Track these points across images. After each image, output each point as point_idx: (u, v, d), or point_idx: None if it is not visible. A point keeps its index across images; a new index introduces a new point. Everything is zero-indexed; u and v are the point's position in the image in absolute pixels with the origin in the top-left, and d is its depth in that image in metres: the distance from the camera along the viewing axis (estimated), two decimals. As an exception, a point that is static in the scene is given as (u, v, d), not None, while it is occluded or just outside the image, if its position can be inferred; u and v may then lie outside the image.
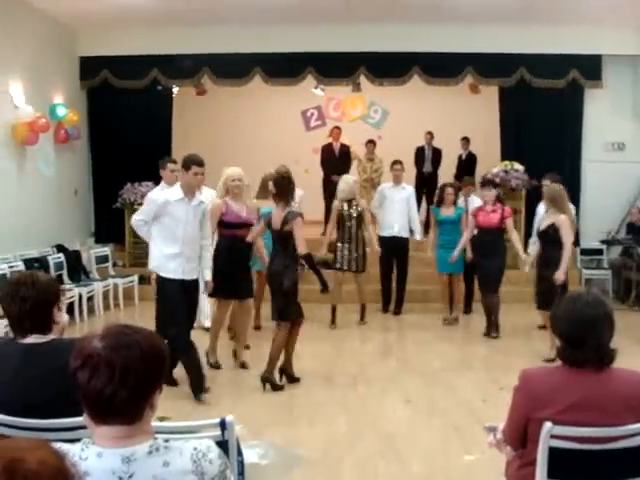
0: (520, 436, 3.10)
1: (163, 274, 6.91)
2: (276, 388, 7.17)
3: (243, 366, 7.96)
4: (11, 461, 1.48)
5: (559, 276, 7.88)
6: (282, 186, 7.18)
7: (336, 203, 10.14)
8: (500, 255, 9.43)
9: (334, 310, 10.16)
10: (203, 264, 7.13)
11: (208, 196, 8.02)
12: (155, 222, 6.95)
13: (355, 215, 9.97)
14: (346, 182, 10.10)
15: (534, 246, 9.19)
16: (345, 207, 10.00)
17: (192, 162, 6.94)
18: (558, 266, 7.89)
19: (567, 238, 7.98)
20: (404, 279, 11.11)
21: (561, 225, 7.94)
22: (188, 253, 6.92)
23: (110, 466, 2.06)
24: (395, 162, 11.32)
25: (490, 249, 9.31)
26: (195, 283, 7.07)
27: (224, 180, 8.01)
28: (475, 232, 9.65)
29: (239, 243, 7.69)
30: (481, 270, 9.59)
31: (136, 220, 7.19)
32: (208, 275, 7.16)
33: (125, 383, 2.05)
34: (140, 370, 2.08)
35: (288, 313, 7.16)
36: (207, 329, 8.65)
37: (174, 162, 8.36)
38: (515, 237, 9.54)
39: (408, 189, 11.17)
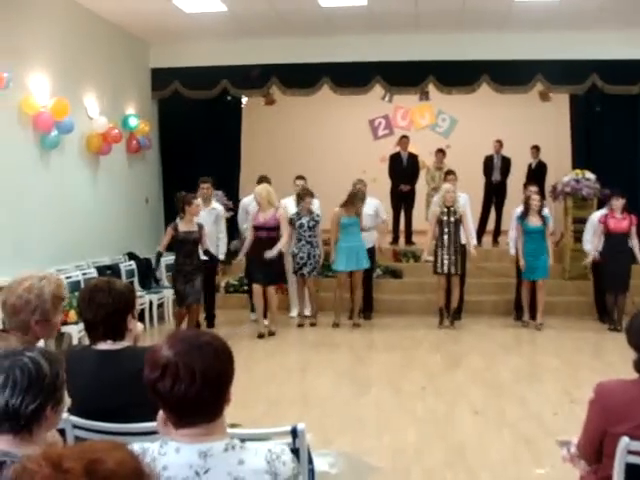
0: (595, 451, 3.04)
1: None
2: None
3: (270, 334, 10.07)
4: (91, 462, 1.53)
5: None
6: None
7: (435, 209, 10.55)
8: (629, 257, 10.30)
9: (441, 312, 10.64)
10: (219, 250, 10.42)
11: (316, 206, 10.74)
12: None
13: (453, 221, 10.32)
14: (441, 191, 10.70)
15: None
16: (443, 214, 10.34)
17: (200, 181, 10.64)
18: None
19: None
20: (463, 284, 10.85)
21: None
22: (206, 242, 9.68)
23: (187, 460, 2.13)
24: (448, 172, 11.67)
25: (621, 252, 10.22)
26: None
27: (254, 195, 10.20)
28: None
29: (260, 240, 9.86)
30: (612, 271, 10.25)
31: None
32: (222, 256, 10.60)
33: (207, 383, 2.12)
34: (217, 367, 2.17)
35: None
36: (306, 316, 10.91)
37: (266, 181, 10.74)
38: (636, 243, 10.32)
39: (463, 197, 11.08)
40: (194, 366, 2.12)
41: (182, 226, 9.41)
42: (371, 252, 11.09)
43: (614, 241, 10.27)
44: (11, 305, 3.35)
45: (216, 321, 10.78)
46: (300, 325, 10.74)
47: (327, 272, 11.40)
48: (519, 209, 10.79)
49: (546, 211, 10.70)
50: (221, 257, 10.60)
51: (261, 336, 9.95)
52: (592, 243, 10.55)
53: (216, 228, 10.44)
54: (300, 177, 11.28)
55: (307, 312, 11.04)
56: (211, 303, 10.84)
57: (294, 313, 11.21)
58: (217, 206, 10.81)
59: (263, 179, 10.92)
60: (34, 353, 2.36)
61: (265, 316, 10.28)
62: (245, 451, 2.17)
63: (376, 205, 11.23)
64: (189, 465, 2.12)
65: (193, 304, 9.54)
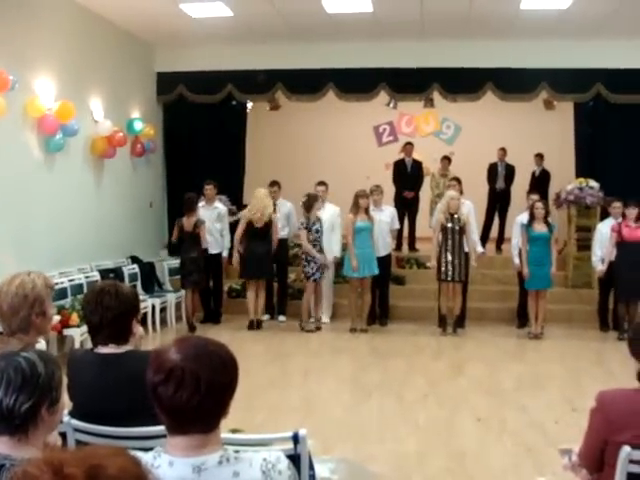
0: (597, 459, 3.03)
1: None
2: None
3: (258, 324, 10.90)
4: (92, 468, 1.51)
5: None
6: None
7: (440, 216, 10.54)
8: None
9: (444, 319, 10.62)
10: (224, 245, 11.27)
11: (331, 212, 11.07)
12: None
13: (457, 228, 10.35)
14: (445, 198, 10.73)
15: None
16: (447, 220, 10.37)
17: (205, 182, 11.36)
18: None
19: None
20: (465, 292, 10.87)
21: None
22: (210, 239, 10.95)
23: (181, 474, 2.09)
24: (451, 179, 11.78)
25: (637, 261, 10.00)
26: (215, 255, 11.20)
27: (253, 197, 10.98)
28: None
29: (252, 237, 10.77)
30: (627, 280, 10.11)
31: None
32: (225, 253, 11.27)
33: (211, 392, 2.10)
34: (223, 379, 2.14)
35: None
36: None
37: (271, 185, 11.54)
38: None
39: (467, 204, 11.05)
40: (200, 374, 2.09)
41: (185, 221, 10.74)
42: (387, 259, 11.18)
43: (628, 250, 10.17)
44: (8, 306, 3.34)
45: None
46: (309, 330, 10.70)
47: (337, 278, 11.46)
48: (520, 217, 10.78)
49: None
50: (225, 253, 11.30)
51: (251, 326, 10.73)
52: (601, 254, 10.53)
53: (220, 225, 11.29)
54: (321, 183, 11.42)
55: (325, 318, 11.21)
56: (217, 300, 11.42)
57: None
58: (219, 205, 11.57)
59: (274, 183, 11.53)
60: (29, 353, 2.34)
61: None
62: (240, 462, 2.15)
63: (392, 212, 11.39)
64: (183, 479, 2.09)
65: (191, 288, 10.78)
